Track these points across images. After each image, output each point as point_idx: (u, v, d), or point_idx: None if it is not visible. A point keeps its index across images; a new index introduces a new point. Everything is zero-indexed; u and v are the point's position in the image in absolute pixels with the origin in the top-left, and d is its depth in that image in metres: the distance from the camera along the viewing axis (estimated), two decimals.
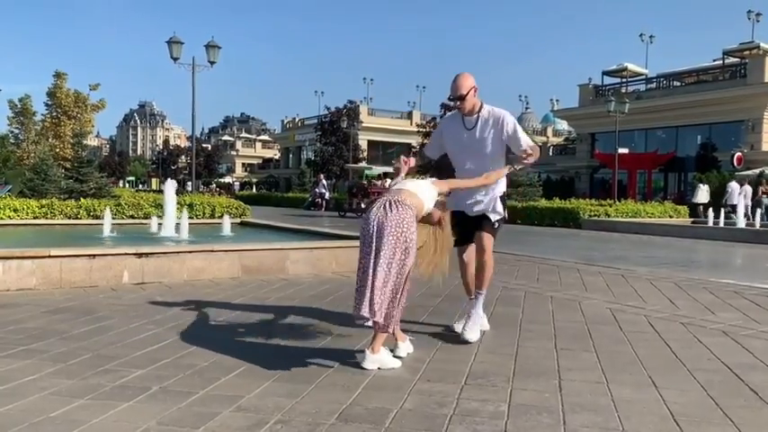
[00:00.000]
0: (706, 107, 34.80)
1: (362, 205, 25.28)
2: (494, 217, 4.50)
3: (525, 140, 4.34)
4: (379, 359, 3.61)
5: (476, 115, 4.41)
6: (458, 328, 4.46)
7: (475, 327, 4.36)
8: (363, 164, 40.67)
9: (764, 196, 23.11)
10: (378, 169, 32.34)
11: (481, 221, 4.50)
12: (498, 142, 4.39)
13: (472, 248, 4.59)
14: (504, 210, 4.61)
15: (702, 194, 25.18)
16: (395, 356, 3.74)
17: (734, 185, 23.70)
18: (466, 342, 4.20)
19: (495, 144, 4.38)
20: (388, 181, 32.95)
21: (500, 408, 2.99)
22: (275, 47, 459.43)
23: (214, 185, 56.89)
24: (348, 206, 26.82)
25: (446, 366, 3.67)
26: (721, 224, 18.85)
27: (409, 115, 58.70)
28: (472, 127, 4.42)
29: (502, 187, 4.58)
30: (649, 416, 2.93)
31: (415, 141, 48.37)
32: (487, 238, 4.46)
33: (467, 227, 4.52)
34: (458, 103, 4.38)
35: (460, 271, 4.69)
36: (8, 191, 16.22)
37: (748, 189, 23.27)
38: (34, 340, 4.04)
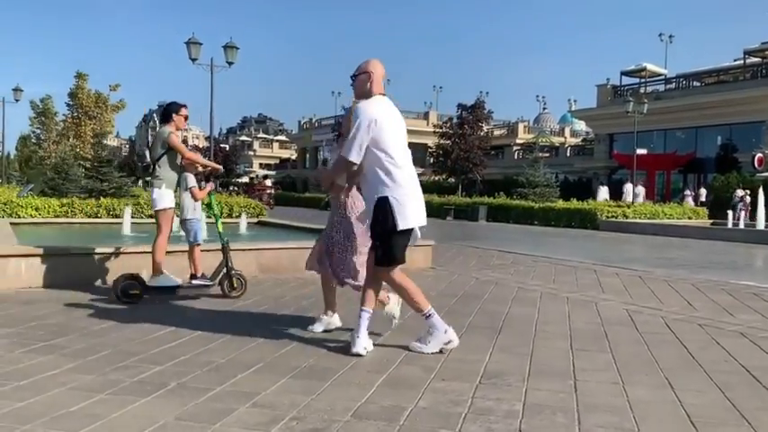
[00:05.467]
0: (726, 107, 34.37)
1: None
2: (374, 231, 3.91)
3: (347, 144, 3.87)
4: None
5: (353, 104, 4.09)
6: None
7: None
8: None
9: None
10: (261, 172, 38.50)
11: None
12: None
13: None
14: (384, 220, 3.80)
15: (602, 194, 28.90)
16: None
17: (628, 186, 28.50)
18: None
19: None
20: (268, 182, 35.71)
21: (514, 407, 2.99)
22: (292, 47, 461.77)
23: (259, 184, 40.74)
24: None
25: (461, 365, 3.68)
26: (741, 225, 18.65)
27: (426, 116, 58.63)
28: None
29: (382, 189, 3.84)
30: (665, 417, 2.92)
31: (431, 142, 48.29)
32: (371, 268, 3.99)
33: None
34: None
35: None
36: (30, 190, 16.43)
37: (641, 190, 28.11)
38: (55, 336, 4.11)
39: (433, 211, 27.25)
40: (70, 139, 31.45)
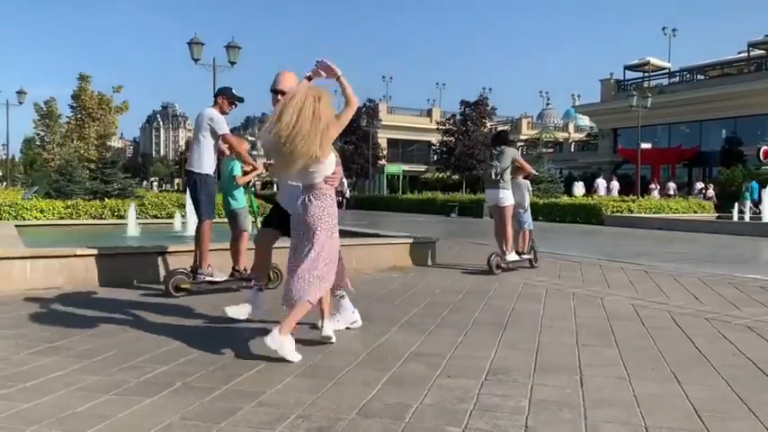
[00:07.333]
0: (731, 101, 34.27)
1: None
2: None
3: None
4: (281, 343, 3.60)
5: None
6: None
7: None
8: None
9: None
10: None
11: None
12: None
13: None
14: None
15: (578, 189, 29.21)
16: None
17: (600, 181, 29.77)
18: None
19: None
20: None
21: (521, 403, 2.98)
22: (294, 45, 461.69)
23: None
24: None
25: (466, 362, 3.67)
26: (746, 219, 18.60)
27: (429, 113, 58.55)
28: None
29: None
30: (672, 411, 2.91)
31: (434, 139, 48.25)
32: None
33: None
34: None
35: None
36: (35, 192, 16.50)
37: (615, 185, 28.77)
38: (60, 337, 4.12)
39: (437, 208, 27.44)
40: (74, 141, 31.51)
